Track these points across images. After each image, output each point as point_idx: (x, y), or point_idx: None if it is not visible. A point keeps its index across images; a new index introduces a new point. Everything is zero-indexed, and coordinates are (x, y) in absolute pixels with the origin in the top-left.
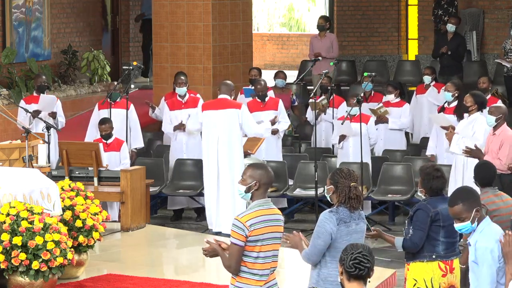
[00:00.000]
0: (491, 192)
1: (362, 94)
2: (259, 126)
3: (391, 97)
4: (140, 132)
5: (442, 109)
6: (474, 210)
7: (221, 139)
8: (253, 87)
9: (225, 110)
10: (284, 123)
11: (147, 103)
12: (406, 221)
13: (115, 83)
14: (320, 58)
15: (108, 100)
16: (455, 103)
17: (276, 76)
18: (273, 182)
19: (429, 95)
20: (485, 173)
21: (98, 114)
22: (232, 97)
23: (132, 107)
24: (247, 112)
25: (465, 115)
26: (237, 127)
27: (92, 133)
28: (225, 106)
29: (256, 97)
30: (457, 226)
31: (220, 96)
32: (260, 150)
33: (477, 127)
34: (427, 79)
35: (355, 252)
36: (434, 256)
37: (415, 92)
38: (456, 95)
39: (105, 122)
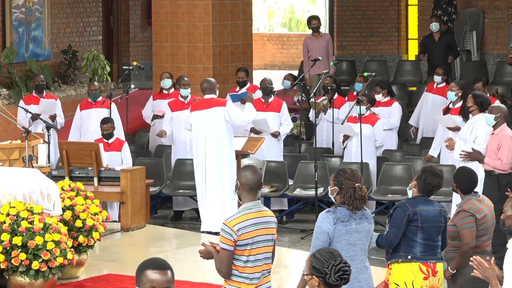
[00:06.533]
0: (475, 199)
1: (354, 94)
2: (246, 113)
3: (379, 97)
4: (122, 130)
5: (447, 110)
6: None
7: (209, 139)
8: (239, 92)
9: (210, 109)
10: (286, 126)
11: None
12: (387, 219)
13: (95, 83)
14: (320, 58)
15: (89, 100)
16: (460, 104)
17: (284, 77)
18: (257, 185)
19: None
20: (467, 180)
21: (80, 115)
22: (217, 92)
23: (114, 106)
24: (232, 106)
25: (470, 115)
26: (223, 125)
27: (75, 135)
28: (210, 105)
29: (260, 97)
30: None
31: (206, 96)
32: (261, 150)
33: (478, 131)
34: (437, 78)
35: (336, 263)
36: (409, 257)
37: (425, 89)
38: (460, 94)
39: (106, 122)
